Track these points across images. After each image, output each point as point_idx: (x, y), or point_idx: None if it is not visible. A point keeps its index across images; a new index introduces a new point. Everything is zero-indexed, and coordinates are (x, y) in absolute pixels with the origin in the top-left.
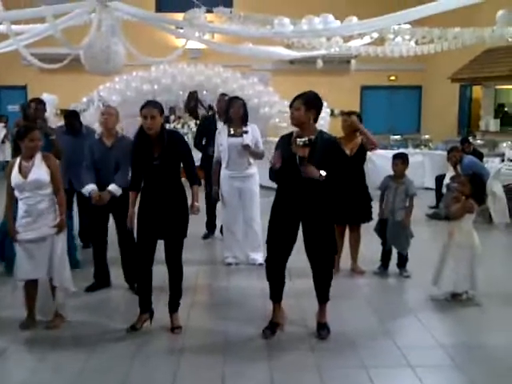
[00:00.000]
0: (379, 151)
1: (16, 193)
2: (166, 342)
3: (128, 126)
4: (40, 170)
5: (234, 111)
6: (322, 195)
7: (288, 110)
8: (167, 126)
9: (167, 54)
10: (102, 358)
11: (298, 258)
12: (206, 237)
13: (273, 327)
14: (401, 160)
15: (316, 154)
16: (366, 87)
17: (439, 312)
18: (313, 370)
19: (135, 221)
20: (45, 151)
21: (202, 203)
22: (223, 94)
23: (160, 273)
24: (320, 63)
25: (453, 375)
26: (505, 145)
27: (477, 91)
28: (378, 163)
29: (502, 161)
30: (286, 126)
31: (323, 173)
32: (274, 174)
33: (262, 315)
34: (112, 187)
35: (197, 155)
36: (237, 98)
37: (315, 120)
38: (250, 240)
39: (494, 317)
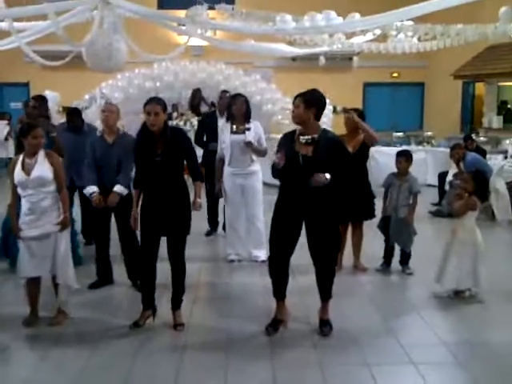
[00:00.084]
0: (382, 148)
1: (19, 190)
2: (168, 339)
3: (130, 123)
4: (43, 168)
5: (237, 108)
6: (325, 194)
7: (290, 107)
8: (169, 123)
9: (169, 51)
10: (105, 355)
11: (301, 255)
12: (208, 234)
13: (275, 324)
14: (404, 158)
15: (319, 153)
16: (369, 84)
17: (442, 309)
18: (315, 367)
19: (138, 220)
20: (46, 149)
21: (203, 200)
22: (224, 91)
23: (163, 270)
24: (322, 60)
25: (455, 372)
26: (508, 142)
27: (479, 88)
28: (381, 160)
29: (505, 158)
30: (289, 124)
31: (328, 175)
32: (276, 172)
33: (265, 312)
34: (118, 188)
35: (198, 152)
36: (239, 95)
37: (317, 118)
38: (252, 237)
39: (496, 314)
